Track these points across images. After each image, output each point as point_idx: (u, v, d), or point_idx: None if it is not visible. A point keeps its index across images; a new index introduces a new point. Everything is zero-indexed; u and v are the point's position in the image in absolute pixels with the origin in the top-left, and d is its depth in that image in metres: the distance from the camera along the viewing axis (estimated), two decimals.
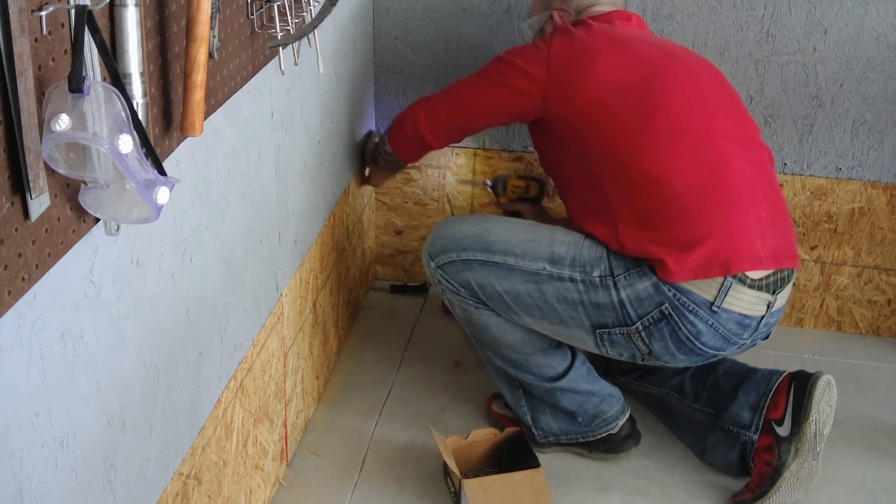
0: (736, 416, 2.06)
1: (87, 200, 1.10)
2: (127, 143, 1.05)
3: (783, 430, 1.99)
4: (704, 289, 1.89)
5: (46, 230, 1.07)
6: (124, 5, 1.13)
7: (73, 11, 1.04)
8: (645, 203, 1.92)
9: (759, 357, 2.18)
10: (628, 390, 2.29)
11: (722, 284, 1.88)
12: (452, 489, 2.03)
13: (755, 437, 2.03)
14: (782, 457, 1.97)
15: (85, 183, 1.10)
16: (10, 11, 0.93)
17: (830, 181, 2.55)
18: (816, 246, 2.61)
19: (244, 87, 1.64)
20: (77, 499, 1.21)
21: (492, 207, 2.68)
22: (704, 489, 2.11)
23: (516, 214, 2.38)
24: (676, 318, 1.90)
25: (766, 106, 2.50)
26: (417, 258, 2.82)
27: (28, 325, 1.07)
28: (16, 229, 1.02)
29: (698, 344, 1.93)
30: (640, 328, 1.93)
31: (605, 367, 2.30)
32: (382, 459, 2.17)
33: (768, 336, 2.03)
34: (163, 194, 1.13)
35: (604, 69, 1.99)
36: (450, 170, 2.70)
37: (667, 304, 1.90)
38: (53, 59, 1.04)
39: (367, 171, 2.57)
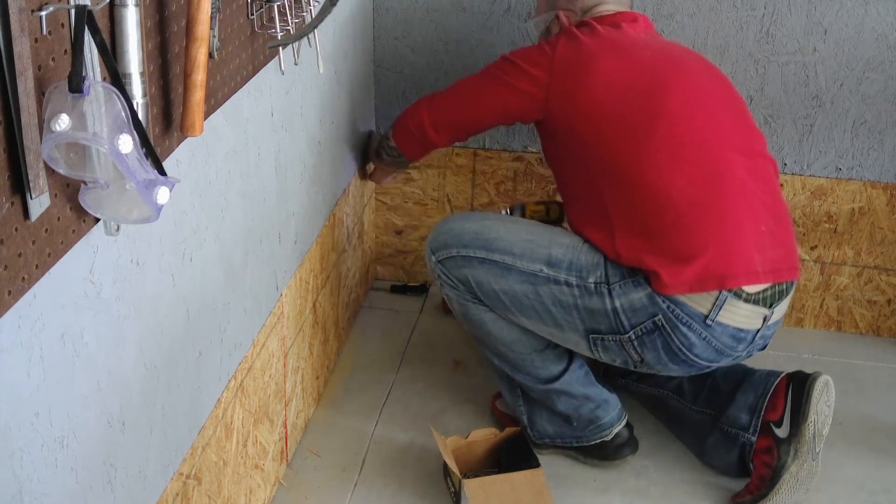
0: (734, 418, 2.06)
1: (87, 200, 1.10)
2: (127, 143, 1.05)
3: (782, 432, 1.99)
4: (699, 302, 1.88)
5: (46, 230, 1.07)
6: (124, 5, 1.13)
7: (73, 11, 1.04)
8: (642, 211, 1.92)
9: (760, 357, 2.18)
10: (628, 391, 2.29)
11: (717, 298, 1.88)
12: (452, 489, 2.03)
13: (753, 438, 2.03)
14: (782, 458, 1.97)
15: (85, 183, 1.10)
16: (10, 11, 0.93)
17: (830, 181, 2.55)
18: (816, 246, 2.61)
19: (244, 87, 1.64)
20: (77, 499, 1.21)
21: (492, 207, 2.68)
22: (704, 489, 2.11)
23: None
24: (669, 330, 1.90)
25: (766, 106, 2.50)
26: (417, 258, 2.82)
27: (28, 325, 1.07)
28: (16, 229, 1.02)
29: (691, 356, 1.93)
30: (633, 337, 1.93)
31: (604, 370, 2.30)
32: (382, 459, 2.17)
33: (765, 347, 2.03)
34: (163, 194, 1.13)
35: (606, 74, 1.98)
36: (450, 170, 2.70)
37: (660, 316, 1.90)
38: (53, 59, 1.04)
39: (368, 168, 2.57)
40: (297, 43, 1.80)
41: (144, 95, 1.18)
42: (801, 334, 2.67)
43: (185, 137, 1.38)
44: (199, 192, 1.50)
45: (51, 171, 1.05)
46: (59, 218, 1.09)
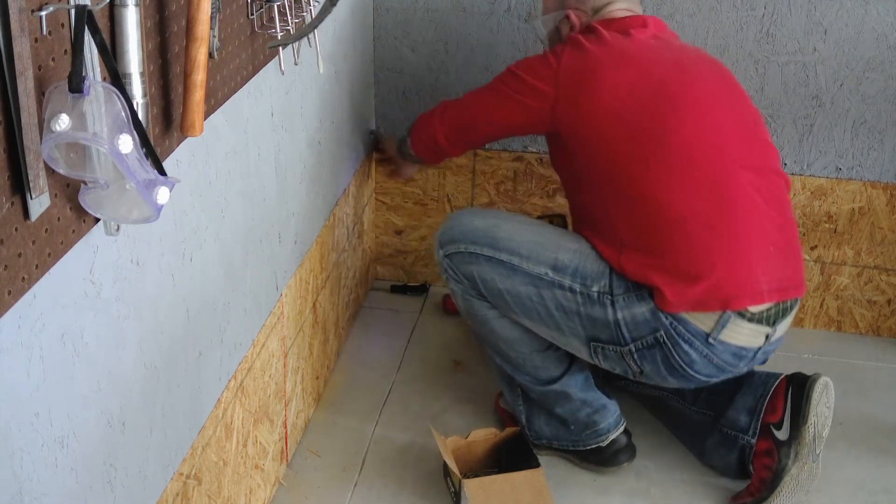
0: (733, 420, 2.06)
1: (87, 200, 1.10)
2: (127, 143, 1.05)
3: (782, 434, 1.99)
4: (702, 320, 1.88)
5: (46, 230, 1.07)
6: (124, 5, 1.13)
7: (73, 11, 1.04)
8: (649, 229, 1.90)
9: None
10: (628, 392, 2.29)
11: (720, 317, 1.87)
12: (452, 489, 2.03)
13: (753, 440, 2.03)
14: (782, 461, 1.97)
15: (85, 183, 1.10)
16: (10, 11, 0.93)
17: (830, 181, 2.55)
18: (816, 246, 2.61)
19: (244, 87, 1.64)
20: (77, 499, 1.21)
21: (493, 207, 2.68)
22: (704, 490, 2.11)
23: None
24: (670, 346, 1.90)
25: (766, 106, 2.50)
26: (417, 258, 2.82)
27: (28, 325, 1.07)
28: (16, 229, 1.02)
29: (690, 371, 1.93)
30: (633, 350, 1.94)
31: (604, 372, 2.30)
32: (382, 459, 2.17)
33: (766, 361, 2.02)
34: (163, 194, 1.13)
35: (612, 88, 1.95)
36: (450, 170, 2.70)
37: (662, 332, 1.90)
38: (53, 59, 1.04)
39: (389, 164, 2.60)
40: (297, 43, 1.80)
41: (144, 95, 1.18)
42: (801, 334, 2.67)
43: (185, 137, 1.38)
44: (199, 192, 1.50)
45: (51, 171, 1.05)
46: (59, 218, 1.09)
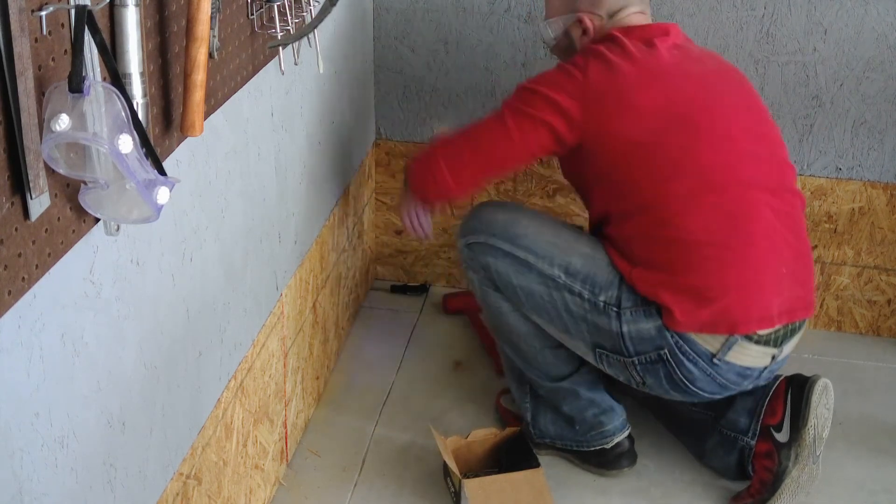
0: (733, 422, 2.05)
1: (87, 200, 1.10)
2: (127, 143, 1.05)
3: (782, 436, 1.99)
4: (708, 341, 1.88)
5: (46, 230, 1.07)
6: (124, 5, 1.13)
7: (73, 11, 1.04)
8: (663, 247, 1.88)
9: None
10: (631, 393, 2.29)
11: (727, 340, 1.87)
12: (452, 489, 2.03)
13: (752, 442, 2.02)
14: (783, 463, 1.97)
15: (85, 183, 1.10)
16: (10, 11, 0.93)
17: (830, 181, 2.55)
18: (816, 246, 2.60)
19: (244, 87, 1.64)
20: (77, 499, 1.21)
21: None
22: (704, 490, 2.11)
23: None
24: (674, 364, 1.90)
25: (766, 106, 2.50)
26: (417, 258, 2.82)
27: (28, 325, 1.07)
28: (16, 229, 1.02)
29: (693, 388, 1.93)
30: (636, 363, 1.93)
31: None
32: (382, 459, 2.17)
33: (769, 379, 2.02)
34: (163, 194, 1.13)
35: (640, 112, 1.89)
36: None
37: (666, 350, 1.89)
38: (53, 59, 1.04)
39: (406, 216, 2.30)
40: (297, 43, 1.80)
41: (144, 95, 1.18)
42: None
43: (185, 137, 1.38)
44: (199, 192, 1.50)
45: (51, 171, 1.05)
46: (59, 218, 1.09)
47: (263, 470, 1.95)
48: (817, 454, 1.96)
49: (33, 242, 1.05)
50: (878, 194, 2.53)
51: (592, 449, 2.13)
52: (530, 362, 2.11)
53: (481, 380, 2.43)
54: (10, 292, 1.02)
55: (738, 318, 1.86)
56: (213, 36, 1.43)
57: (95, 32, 1.05)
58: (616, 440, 2.12)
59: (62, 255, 1.11)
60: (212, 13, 1.37)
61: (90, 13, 1.03)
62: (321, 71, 2.04)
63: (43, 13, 1.00)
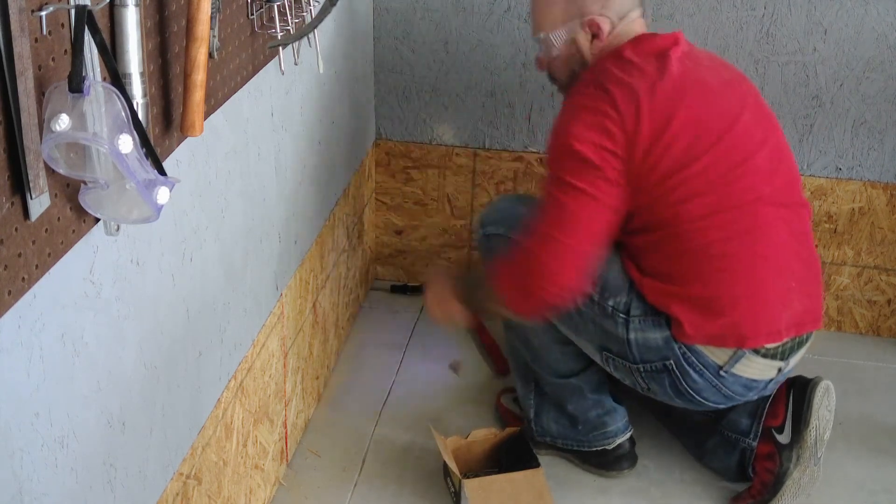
0: (734, 423, 2.05)
1: (87, 200, 1.10)
2: (127, 143, 1.05)
3: (783, 438, 1.99)
4: (716, 353, 1.87)
5: (46, 230, 1.07)
6: (124, 5, 1.13)
7: (73, 11, 1.04)
8: (675, 259, 1.85)
9: None
10: (632, 393, 2.29)
11: (735, 353, 1.87)
12: (452, 489, 2.03)
13: (754, 443, 2.03)
14: (784, 464, 1.97)
15: (85, 183, 1.10)
16: (10, 11, 0.93)
17: (830, 181, 2.55)
18: (816, 246, 2.60)
19: (244, 87, 1.64)
20: (77, 499, 1.21)
21: None
22: (704, 490, 2.11)
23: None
24: (679, 374, 1.90)
25: None
26: (417, 258, 2.82)
27: (28, 325, 1.07)
28: (16, 229, 1.02)
29: (698, 398, 1.93)
30: (641, 370, 1.93)
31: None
32: (382, 459, 2.17)
33: (774, 390, 2.02)
34: (163, 194, 1.13)
35: (662, 142, 1.79)
36: (450, 170, 2.70)
37: (672, 361, 1.89)
38: (53, 59, 1.04)
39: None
40: (297, 43, 1.80)
41: (144, 95, 1.18)
42: None
43: (185, 137, 1.38)
44: (199, 192, 1.50)
45: (51, 171, 1.05)
46: (59, 218, 1.09)
47: (263, 470, 1.95)
48: (818, 456, 1.97)
49: (33, 242, 1.05)
50: (878, 194, 2.53)
51: (594, 449, 2.13)
52: (539, 356, 2.11)
53: (481, 380, 2.43)
54: (10, 292, 1.02)
55: (747, 333, 1.85)
56: (213, 36, 1.43)
57: (95, 32, 1.05)
58: (618, 441, 2.12)
59: (62, 255, 1.11)
60: (212, 13, 1.37)
61: (90, 13, 1.03)
62: (321, 71, 2.04)
63: (43, 13, 1.00)
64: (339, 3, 1.90)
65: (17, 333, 1.05)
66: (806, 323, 1.92)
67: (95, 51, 1.07)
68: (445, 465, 2.05)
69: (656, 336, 1.88)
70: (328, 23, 2.07)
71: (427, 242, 2.79)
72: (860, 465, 2.20)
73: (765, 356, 1.89)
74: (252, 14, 1.62)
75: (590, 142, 1.77)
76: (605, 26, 1.87)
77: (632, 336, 1.90)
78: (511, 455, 2.08)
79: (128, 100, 1.07)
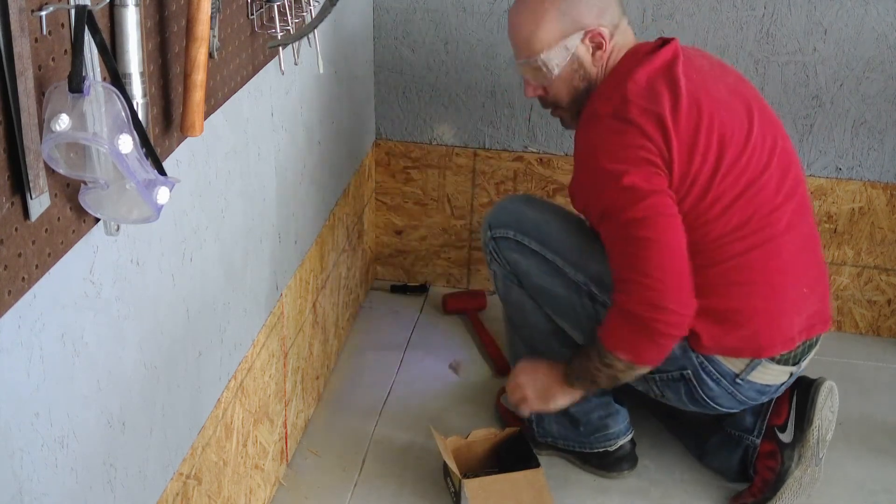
0: (738, 420, 2.05)
1: (87, 200, 1.10)
2: (127, 143, 1.05)
3: (786, 437, 1.99)
4: (733, 362, 1.88)
5: (46, 230, 1.07)
6: (124, 5, 1.13)
7: (73, 11, 1.04)
8: (698, 272, 1.82)
9: None
10: (630, 392, 2.29)
11: (751, 362, 1.88)
12: (452, 489, 2.03)
13: (758, 441, 2.03)
14: (786, 463, 1.97)
15: (85, 183, 1.10)
16: (10, 11, 0.93)
17: (830, 181, 2.55)
18: None
19: (244, 87, 1.64)
20: (77, 499, 1.21)
21: None
22: (704, 489, 2.11)
23: None
24: (696, 383, 1.90)
25: None
26: (417, 258, 2.82)
27: (28, 325, 1.07)
28: (16, 229, 1.02)
29: (713, 404, 1.94)
30: (657, 379, 1.93)
31: None
32: (382, 459, 2.17)
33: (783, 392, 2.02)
34: (163, 194, 1.13)
35: (702, 158, 1.79)
36: (450, 170, 2.70)
37: (689, 370, 1.89)
38: (53, 59, 1.04)
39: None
40: (297, 43, 1.80)
41: (144, 95, 1.18)
42: None
43: (185, 137, 1.38)
44: (199, 192, 1.50)
45: (51, 171, 1.05)
46: (59, 218, 1.09)
47: (263, 470, 1.95)
48: (820, 456, 1.97)
49: (33, 242, 1.05)
50: (878, 194, 2.53)
51: (595, 451, 2.13)
52: (543, 358, 2.10)
53: (481, 380, 2.43)
54: (10, 292, 1.02)
55: (764, 343, 1.86)
56: (213, 36, 1.43)
57: (95, 32, 1.05)
58: (619, 443, 2.12)
59: (62, 255, 1.11)
60: (212, 13, 1.37)
61: (90, 13, 1.03)
62: (321, 71, 2.04)
63: (43, 13, 1.00)
64: (339, 3, 1.90)
65: (17, 333, 1.05)
66: (816, 325, 1.93)
67: (95, 51, 1.07)
68: (445, 465, 2.05)
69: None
70: (328, 23, 2.07)
71: (427, 242, 2.79)
72: (860, 465, 2.20)
73: (779, 363, 1.90)
74: (252, 14, 1.62)
75: (637, 175, 1.75)
76: (607, 37, 1.84)
77: None
78: (511, 455, 2.08)
79: (128, 100, 1.07)
